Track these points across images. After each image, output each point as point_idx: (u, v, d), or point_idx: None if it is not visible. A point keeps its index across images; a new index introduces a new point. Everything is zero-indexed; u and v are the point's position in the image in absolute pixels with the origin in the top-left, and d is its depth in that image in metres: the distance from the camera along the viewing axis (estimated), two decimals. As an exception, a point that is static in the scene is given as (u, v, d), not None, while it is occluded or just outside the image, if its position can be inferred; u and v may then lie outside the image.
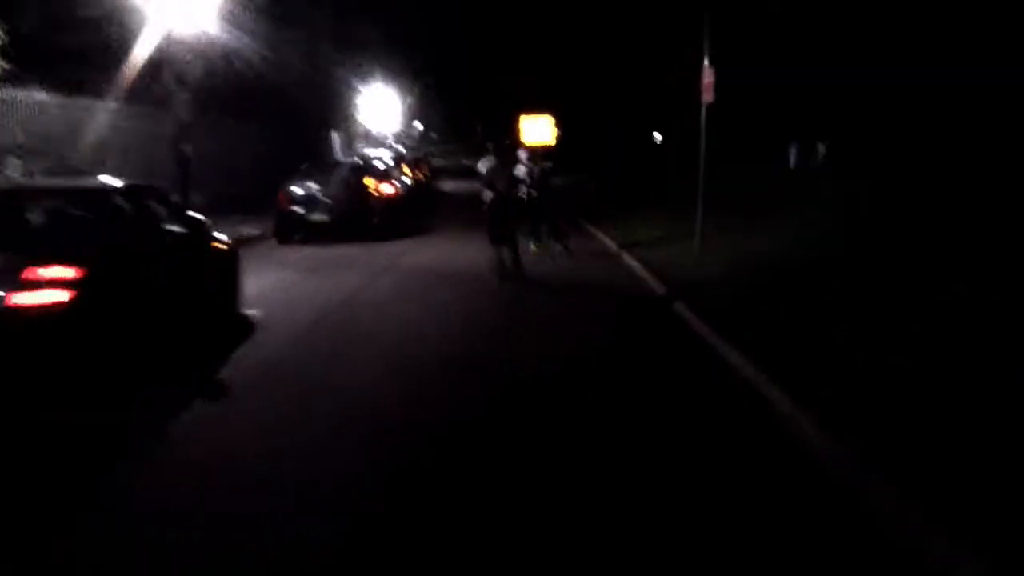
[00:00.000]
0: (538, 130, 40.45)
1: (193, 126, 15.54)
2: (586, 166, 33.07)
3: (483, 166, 11.90)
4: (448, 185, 33.54)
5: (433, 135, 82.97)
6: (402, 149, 38.72)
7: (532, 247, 13.74)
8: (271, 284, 10.65)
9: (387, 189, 17.91)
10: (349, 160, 21.95)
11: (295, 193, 15.40)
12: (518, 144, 15.97)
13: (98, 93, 15.64)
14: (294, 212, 15.27)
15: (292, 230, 15.36)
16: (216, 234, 8.13)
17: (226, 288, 8.00)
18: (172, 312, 6.70)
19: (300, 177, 15.95)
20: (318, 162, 18.36)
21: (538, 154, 14.90)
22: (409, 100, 60.15)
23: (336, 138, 37.20)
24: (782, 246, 12.90)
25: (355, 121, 42.88)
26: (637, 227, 16.27)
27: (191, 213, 7.72)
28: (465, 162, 42.51)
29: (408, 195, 20.63)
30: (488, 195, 11.54)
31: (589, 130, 34.24)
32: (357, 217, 15.64)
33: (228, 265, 8.10)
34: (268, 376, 6.42)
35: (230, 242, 8.45)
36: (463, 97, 65.89)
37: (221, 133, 21.57)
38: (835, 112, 22.57)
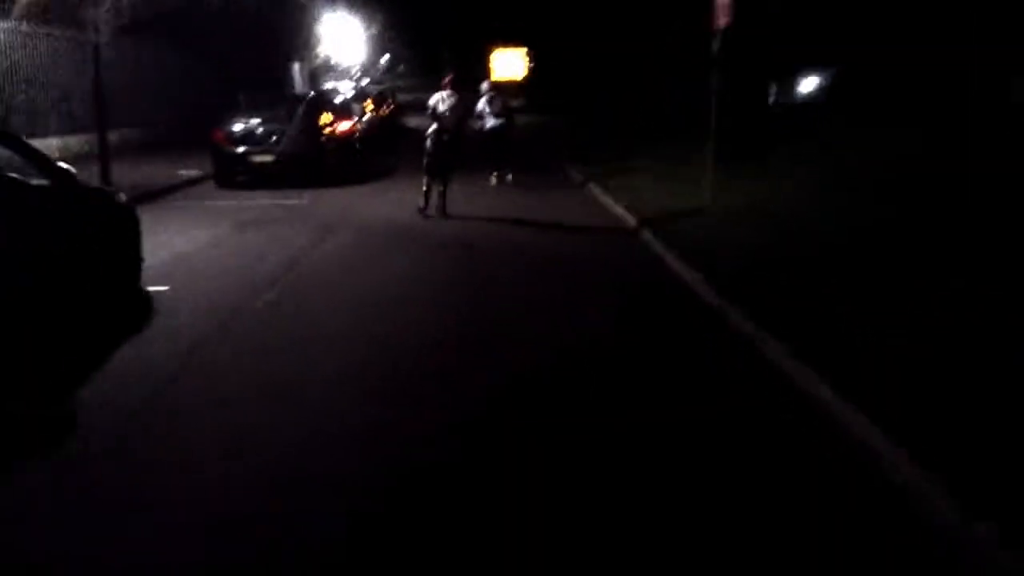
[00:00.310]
0: (509, 64, 37.58)
1: (116, 51, 13.35)
2: (565, 105, 30.20)
3: (434, 99, 11.77)
4: (414, 121, 31.22)
5: (401, 67, 79.63)
6: (365, 82, 36.17)
7: (493, 180, 13.83)
8: (196, 244, 8.78)
9: (344, 126, 15.70)
10: (302, 93, 19.76)
11: (235, 130, 13.39)
12: (484, 77, 15.55)
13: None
14: (234, 151, 13.27)
15: (233, 172, 13.43)
16: (106, 189, 6.28)
17: (116, 259, 6.12)
18: (18, 298, 4.87)
19: (243, 111, 14.01)
20: (262, 95, 16.13)
21: (506, 90, 14.81)
22: (373, 30, 57.05)
23: (296, 70, 34.53)
24: (794, 190, 11.39)
25: (316, 52, 40.09)
26: (637, 175, 14.46)
27: (61, 164, 5.78)
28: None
29: (369, 132, 18.47)
30: (433, 127, 10.92)
31: (569, 65, 31.11)
32: (309, 157, 13.62)
33: (119, 229, 6.19)
34: (155, 402, 4.47)
35: (123, 199, 6.55)
36: (433, 29, 62.52)
37: (156, 61, 19.29)
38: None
